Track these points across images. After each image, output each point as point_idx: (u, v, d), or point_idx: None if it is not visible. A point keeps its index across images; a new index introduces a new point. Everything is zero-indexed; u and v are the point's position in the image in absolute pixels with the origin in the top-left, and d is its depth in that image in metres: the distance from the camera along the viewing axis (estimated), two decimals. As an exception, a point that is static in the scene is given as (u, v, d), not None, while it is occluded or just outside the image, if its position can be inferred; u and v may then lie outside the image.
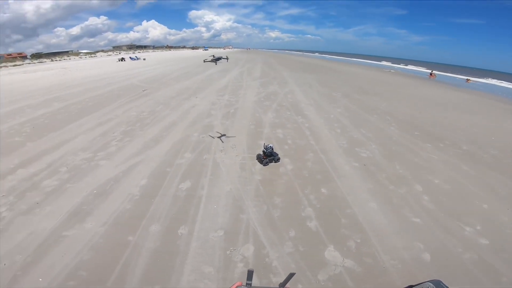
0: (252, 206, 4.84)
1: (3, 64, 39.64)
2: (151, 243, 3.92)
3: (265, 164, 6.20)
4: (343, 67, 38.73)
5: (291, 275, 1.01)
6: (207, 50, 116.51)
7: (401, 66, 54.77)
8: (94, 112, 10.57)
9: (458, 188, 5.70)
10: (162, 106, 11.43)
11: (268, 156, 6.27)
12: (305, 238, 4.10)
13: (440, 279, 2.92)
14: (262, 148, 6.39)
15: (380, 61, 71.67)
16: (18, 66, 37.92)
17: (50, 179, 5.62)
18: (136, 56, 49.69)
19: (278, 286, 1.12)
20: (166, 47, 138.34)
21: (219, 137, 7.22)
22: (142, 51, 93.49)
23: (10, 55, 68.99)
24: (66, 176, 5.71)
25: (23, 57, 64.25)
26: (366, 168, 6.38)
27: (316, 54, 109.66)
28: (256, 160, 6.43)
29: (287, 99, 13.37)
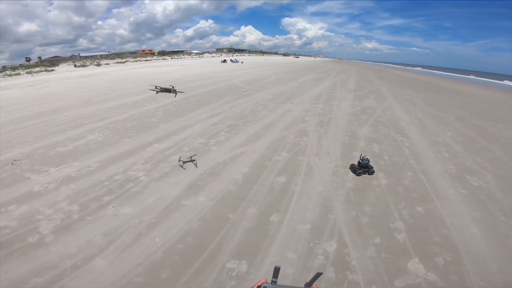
0: (341, 209, 5.02)
1: (138, 58, 51.09)
2: (246, 223, 4.55)
3: (359, 174, 6.21)
4: (459, 86, 32.71)
5: (318, 275, 0.95)
6: (298, 57, 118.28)
7: None
8: (207, 105, 12.65)
9: None
10: (261, 107, 12.67)
11: (363, 168, 6.25)
12: (390, 247, 4.07)
13: None
14: (358, 159, 6.41)
15: None
16: (148, 61, 48.04)
17: (176, 155, 7.12)
18: (236, 59, 55.44)
19: (303, 286, 1.05)
20: (260, 52, 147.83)
21: (188, 162, 6.71)
22: (239, 54, 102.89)
23: (144, 51, 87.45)
24: (187, 155, 7.10)
25: (152, 53, 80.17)
26: (475, 197, 5.64)
27: (420, 69, 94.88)
28: (349, 169, 6.49)
29: (385, 115, 12.55)
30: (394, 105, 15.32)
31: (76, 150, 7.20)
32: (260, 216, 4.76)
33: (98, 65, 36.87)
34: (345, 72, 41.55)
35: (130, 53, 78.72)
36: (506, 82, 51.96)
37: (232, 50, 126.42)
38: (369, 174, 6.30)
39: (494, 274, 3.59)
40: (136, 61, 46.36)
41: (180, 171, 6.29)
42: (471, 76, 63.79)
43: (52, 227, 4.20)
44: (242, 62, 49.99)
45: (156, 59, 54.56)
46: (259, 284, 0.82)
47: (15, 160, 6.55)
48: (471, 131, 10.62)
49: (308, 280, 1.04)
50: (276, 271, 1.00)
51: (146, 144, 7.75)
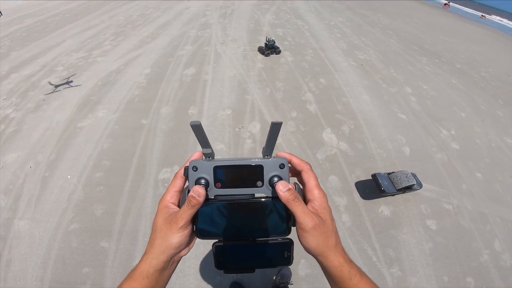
0: (256, 88, 5.09)
1: None
2: (164, 124, 4.16)
3: (267, 54, 6.21)
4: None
5: (276, 127, 0.50)
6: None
7: None
8: (75, 21, 9.60)
9: (443, 96, 6.04)
10: (151, 9, 10.41)
11: (270, 48, 6.22)
12: (305, 119, 4.47)
13: (415, 173, 3.32)
14: (264, 41, 6.28)
15: None
16: None
17: (48, 77, 5.47)
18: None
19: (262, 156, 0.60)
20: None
21: (63, 84, 5.43)
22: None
23: None
24: (65, 73, 5.57)
25: None
26: (363, 68, 6.54)
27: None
28: (257, 52, 6.38)
29: (285, 4, 12.31)
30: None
31: None
32: (176, 113, 4.40)
33: None
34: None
35: None
36: None
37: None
38: (276, 54, 6.37)
39: (385, 140, 4.30)
40: None
41: (64, 91, 4.96)
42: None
43: None
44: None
45: None
46: (187, 164, 0.52)
47: None
48: (357, 18, 11.79)
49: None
50: (197, 129, 0.52)
51: (-1, 78, 5.66)
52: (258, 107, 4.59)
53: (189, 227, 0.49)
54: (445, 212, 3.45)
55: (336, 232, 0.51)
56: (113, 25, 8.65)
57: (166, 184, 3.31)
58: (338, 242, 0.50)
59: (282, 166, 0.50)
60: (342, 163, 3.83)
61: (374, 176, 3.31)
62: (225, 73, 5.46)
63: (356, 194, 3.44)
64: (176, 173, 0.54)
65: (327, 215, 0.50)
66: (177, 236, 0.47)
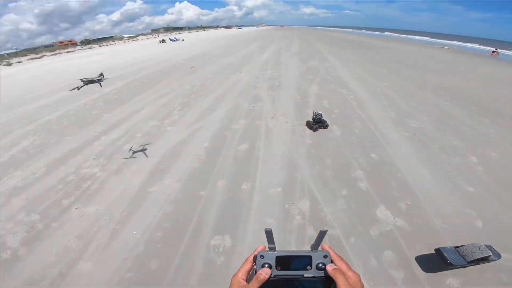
0: (305, 166, 5.32)
1: (58, 51, 42.05)
2: (219, 197, 4.57)
3: (315, 129, 6.58)
4: (388, 44, 35.81)
5: (323, 233, 0.76)
6: (241, 28, 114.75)
7: (459, 43, 47.64)
8: (152, 87, 11.72)
9: None
10: (210, 80, 12.20)
11: (318, 123, 6.63)
12: (356, 197, 4.46)
13: (491, 245, 3.07)
14: (312, 115, 6.75)
15: (432, 37, 63.33)
16: (71, 52, 40.40)
17: (129, 143, 6.60)
18: (175, 38, 51.37)
19: (310, 249, 0.82)
20: (200, 27, 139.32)
21: (139, 151, 6.35)
22: (178, 32, 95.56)
23: (62, 42, 73.68)
24: (142, 141, 6.68)
25: (73, 44, 68.22)
26: (417, 138, 6.42)
27: (352, 30, 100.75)
28: (306, 126, 6.84)
29: (329, 73, 13.22)
30: (335, 63, 16.19)
31: (14, 159, 6.22)
32: (231, 187, 4.80)
33: (9, 64, 30.58)
34: (287, 37, 41.91)
35: (45, 46, 66.98)
36: (424, 37, 58.83)
37: (170, 29, 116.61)
38: (324, 128, 6.72)
39: (451, 215, 4.07)
40: (55, 54, 38.79)
41: (139, 158, 5.89)
42: (396, 34, 70.33)
43: (20, 240, 3.90)
44: (183, 40, 46.58)
45: (80, 49, 46.70)
46: (255, 253, 0.72)
47: None
48: (403, 80, 11.89)
49: (313, 242, 0.83)
50: (269, 234, 0.77)
51: (92, 139, 7.00)
52: (307, 185, 4.76)
53: None
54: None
55: None
56: (180, 94, 10.26)
57: (216, 250, 3.56)
58: None
59: (325, 256, 0.71)
60: (399, 237, 3.66)
61: (437, 250, 3.08)
62: (276, 149, 5.90)
63: (417, 268, 3.22)
64: (247, 258, 0.70)
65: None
66: None
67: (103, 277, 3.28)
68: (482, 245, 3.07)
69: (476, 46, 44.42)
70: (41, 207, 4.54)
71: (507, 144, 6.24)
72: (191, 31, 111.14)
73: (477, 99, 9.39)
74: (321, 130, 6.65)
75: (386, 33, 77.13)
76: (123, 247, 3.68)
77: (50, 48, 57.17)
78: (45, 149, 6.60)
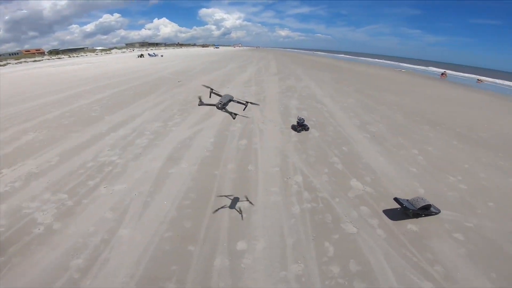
0: (295, 154, 6.82)
1: (23, 59, 39.08)
2: (231, 174, 5.77)
3: (299, 131, 8.20)
4: (354, 66, 40.33)
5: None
6: (218, 48, 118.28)
7: (416, 66, 54.03)
8: (146, 96, 12.68)
9: (447, 154, 7.52)
10: (201, 93, 13.33)
11: (301, 126, 8.24)
12: (335, 173, 6.02)
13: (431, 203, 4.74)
14: (296, 120, 8.36)
15: (394, 61, 71.75)
16: (38, 62, 37.67)
17: (140, 138, 7.59)
18: (154, 53, 52.07)
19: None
20: (177, 44, 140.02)
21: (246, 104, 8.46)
22: (155, 48, 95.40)
23: (29, 51, 68.75)
24: (152, 137, 7.69)
25: (41, 53, 64.31)
26: (375, 138, 8.32)
27: (324, 53, 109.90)
28: (291, 129, 8.41)
29: (305, 91, 15.28)
30: (309, 83, 18.50)
31: (20, 151, 6.73)
32: (239, 168, 6.06)
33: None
34: (265, 58, 44.94)
35: (9, 54, 63.23)
36: (386, 61, 66.79)
37: (146, 44, 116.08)
38: (305, 130, 8.37)
39: (402, 186, 5.67)
40: (21, 62, 35.84)
41: (152, 149, 6.90)
42: (362, 58, 78.46)
43: (52, 216, 4.32)
44: (162, 56, 47.51)
45: (48, 59, 43.76)
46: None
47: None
48: (365, 98, 14.28)
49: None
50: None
51: (101, 135, 7.78)
52: (298, 166, 6.21)
53: None
54: (468, 228, 4.43)
55: None
56: (176, 103, 11.40)
57: (238, 208, 4.63)
58: None
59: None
60: (369, 199, 5.09)
61: (396, 199, 4.62)
62: (269, 143, 7.37)
63: (385, 218, 4.58)
64: None
65: None
66: None
67: (144, 239, 3.84)
68: (424, 198, 4.67)
69: (431, 68, 51.73)
70: (66, 188, 5.10)
71: (440, 142, 8.34)
72: (168, 47, 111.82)
73: (423, 113, 11.80)
74: (303, 132, 8.27)
75: (353, 56, 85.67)
76: (158, 213, 4.40)
77: (16, 56, 54.09)
78: (53, 143, 7.21)
